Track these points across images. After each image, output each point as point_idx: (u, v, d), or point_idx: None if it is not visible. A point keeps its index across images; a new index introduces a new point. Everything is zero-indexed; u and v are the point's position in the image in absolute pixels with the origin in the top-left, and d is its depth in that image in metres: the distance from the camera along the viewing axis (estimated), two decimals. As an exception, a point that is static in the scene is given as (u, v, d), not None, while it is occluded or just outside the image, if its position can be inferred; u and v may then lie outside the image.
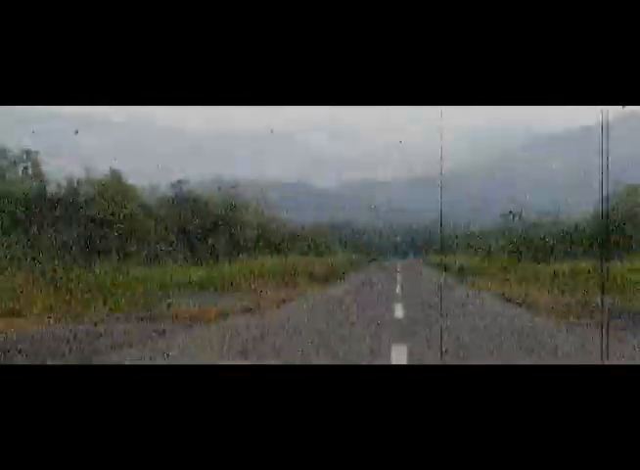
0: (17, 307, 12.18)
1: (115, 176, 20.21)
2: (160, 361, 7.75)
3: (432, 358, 8.01)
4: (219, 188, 24.08)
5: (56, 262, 15.95)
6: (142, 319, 12.06)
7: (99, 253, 17.91)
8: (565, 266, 21.51)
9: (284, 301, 16.08)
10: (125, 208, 19.23)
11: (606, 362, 7.48)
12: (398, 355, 8.30)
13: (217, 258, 22.60)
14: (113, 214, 18.71)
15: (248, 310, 13.64)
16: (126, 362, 7.68)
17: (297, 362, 7.84)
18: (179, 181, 22.95)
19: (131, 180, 20.93)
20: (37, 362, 7.70)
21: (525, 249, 27.83)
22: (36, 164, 18.87)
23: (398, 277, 27.20)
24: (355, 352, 8.60)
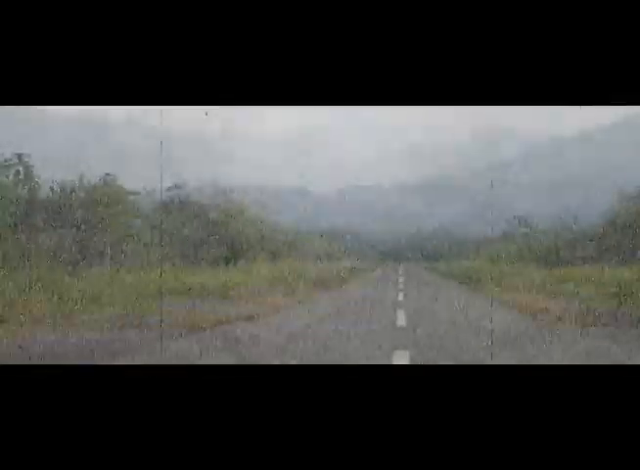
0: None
1: (109, 180, 20.08)
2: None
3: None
4: (215, 194, 24.03)
5: (47, 268, 15.70)
6: (136, 327, 11.74)
7: (92, 258, 17.71)
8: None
9: (281, 308, 15.94)
10: (119, 212, 19.10)
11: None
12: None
13: (216, 263, 22.46)
14: (105, 219, 18.54)
15: (242, 318, 13.40)
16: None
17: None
18: (174, 186, 22.82)
19: (126, 184, 20.82)
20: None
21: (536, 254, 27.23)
22: (28, 168, 18.68)
23: (400, 285, 26.94)
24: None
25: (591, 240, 25.91)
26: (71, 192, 19.18)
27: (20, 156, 18.68)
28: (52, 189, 19.35)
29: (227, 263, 22.87)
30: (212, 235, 22.67)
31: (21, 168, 18.65)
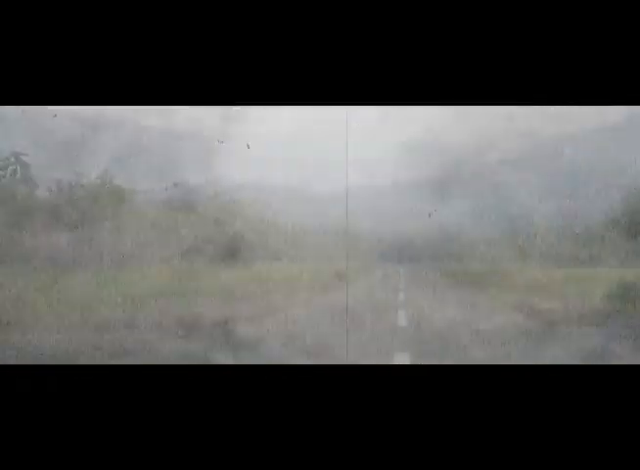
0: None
1: (107, 179, 20.01)
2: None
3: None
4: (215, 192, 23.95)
5: (44, 268, 15.66)
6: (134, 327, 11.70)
7: (90, 257, 17.67)
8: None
9: (279, 310, 15.97)
10: (117, 211, 19.05)
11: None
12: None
13: (214, 263, 22.39)
14: (103, 218, 18.49)
15: (241, 319, 13.39)
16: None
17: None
18: (174, 184, 22.69)
19: (124, 183, 20.74)
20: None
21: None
22: (25, 167, 18.62)
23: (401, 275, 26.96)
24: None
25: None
26: (69, 191, 19.14)
27: (17, 155, 18.61)
28: (50, 188, 19.31)
29: (225, 264, 22.82)
30: (211, 234, 22.63)
31: (18, 167, 18.58)
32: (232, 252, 23.28)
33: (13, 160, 18.32)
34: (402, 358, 8.32)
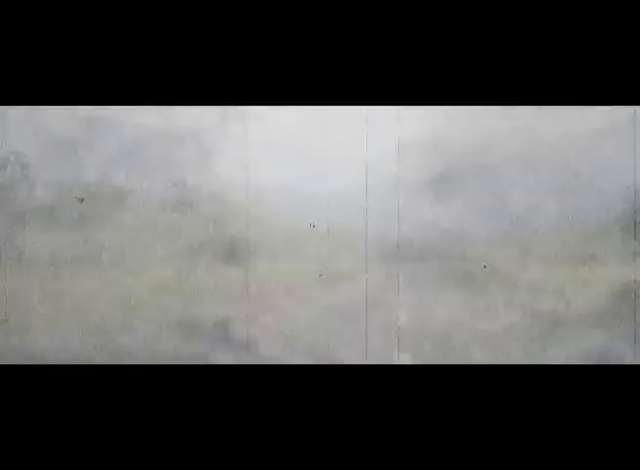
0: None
1: (106, 178, 20.08)
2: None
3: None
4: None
5: (43, 268, 15.65)
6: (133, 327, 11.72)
7: (90, 258, 17.69)
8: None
9: (277, 309, 15.96)
10: (117, 211, 19.07)
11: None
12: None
13: (214, 263, 22.43)
14: (103, 218, 18.51)
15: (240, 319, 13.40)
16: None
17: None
18: (174, 184, 22.79)
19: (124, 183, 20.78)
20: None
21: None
22: (24, 167, 18.66)
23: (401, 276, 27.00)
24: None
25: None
26: (68, 191, 19.18)
27: (16, 154, 18.69)
28: (48, 188, 19.34)
29: (225, 263, 22.89)
30: (211, 235, 22.69)
31: (17, 167, 18.65)
32: (232, 252, 23.37)
33: (12, 159, 18.38)
34: (402, 358, 8.31)
